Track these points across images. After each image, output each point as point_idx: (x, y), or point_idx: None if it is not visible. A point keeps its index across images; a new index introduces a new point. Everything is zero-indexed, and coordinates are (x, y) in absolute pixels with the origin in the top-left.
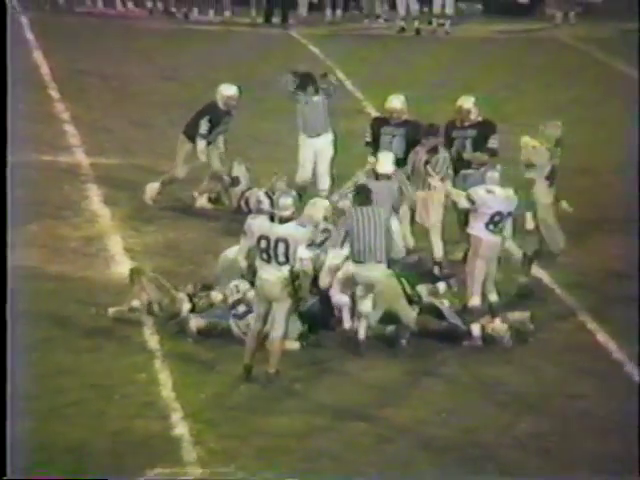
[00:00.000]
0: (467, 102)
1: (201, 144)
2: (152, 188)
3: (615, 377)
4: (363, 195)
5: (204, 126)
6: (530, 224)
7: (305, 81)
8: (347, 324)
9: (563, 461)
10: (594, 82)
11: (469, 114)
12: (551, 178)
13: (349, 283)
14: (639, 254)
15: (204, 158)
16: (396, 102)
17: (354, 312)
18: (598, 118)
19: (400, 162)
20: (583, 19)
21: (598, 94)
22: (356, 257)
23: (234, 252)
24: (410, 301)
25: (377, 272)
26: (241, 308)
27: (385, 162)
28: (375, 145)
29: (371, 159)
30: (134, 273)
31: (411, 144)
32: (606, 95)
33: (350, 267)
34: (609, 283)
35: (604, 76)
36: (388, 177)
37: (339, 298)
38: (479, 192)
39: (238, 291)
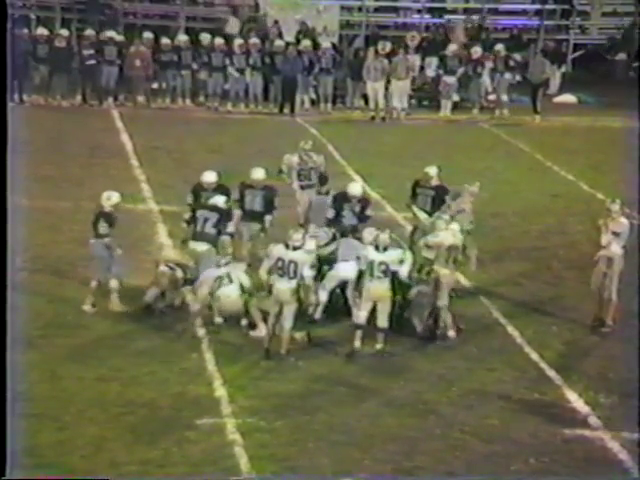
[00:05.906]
0: (431, 170)
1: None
2: None
3: (517, 355)
4: None
5: (188, 198)
6: None
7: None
8: (318, 315)
9: (480, 415)
10: (502, 155)
11: (431, 179)
12: None
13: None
14: None
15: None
16: (257, 172)
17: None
18: (504, 179)
19: None
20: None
21: (504, 163)
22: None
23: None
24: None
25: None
26: None
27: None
28: None
29: None
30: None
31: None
32: (509, 164)
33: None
34: (514, 291)
35: (508, 151)
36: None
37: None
38: (441, 233)
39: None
